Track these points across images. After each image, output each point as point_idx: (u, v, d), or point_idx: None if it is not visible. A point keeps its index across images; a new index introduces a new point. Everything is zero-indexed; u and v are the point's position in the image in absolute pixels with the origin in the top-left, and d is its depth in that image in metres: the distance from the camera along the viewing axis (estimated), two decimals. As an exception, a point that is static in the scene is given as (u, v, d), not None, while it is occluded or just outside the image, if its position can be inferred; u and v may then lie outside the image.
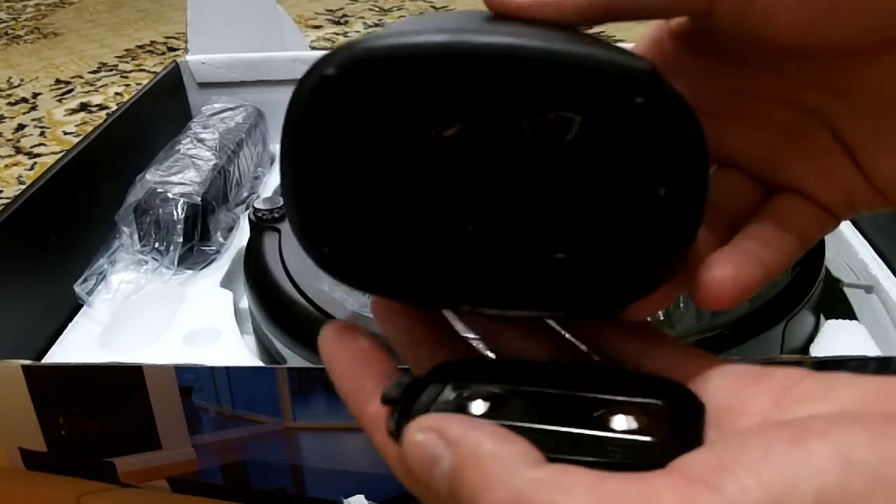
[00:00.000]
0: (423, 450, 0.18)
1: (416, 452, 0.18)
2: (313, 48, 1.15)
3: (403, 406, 0.20)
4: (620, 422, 0.19)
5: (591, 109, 0.19)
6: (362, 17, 1.40)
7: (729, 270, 0.22)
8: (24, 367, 0.38)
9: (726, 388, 0.20)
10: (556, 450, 0.17)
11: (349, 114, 0.20)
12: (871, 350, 0.46)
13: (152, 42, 1.34)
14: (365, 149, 0.21)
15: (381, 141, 0.20)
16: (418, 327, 0.24)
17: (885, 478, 0.14)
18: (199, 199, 0.57)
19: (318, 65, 0.20)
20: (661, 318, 0.45)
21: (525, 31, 0.21)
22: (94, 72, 1.21)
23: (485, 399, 0.20)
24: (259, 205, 0.55)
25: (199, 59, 0.76)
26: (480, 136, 0.20)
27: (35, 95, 1.12)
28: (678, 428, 0.18)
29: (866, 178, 0.24)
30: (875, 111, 0.23)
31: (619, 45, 0.22)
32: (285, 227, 0.54)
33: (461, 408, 0.20)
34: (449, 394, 0.20)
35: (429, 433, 0.18)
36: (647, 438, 0.18)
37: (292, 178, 0.21)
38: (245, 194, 0.67)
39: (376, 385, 0.21)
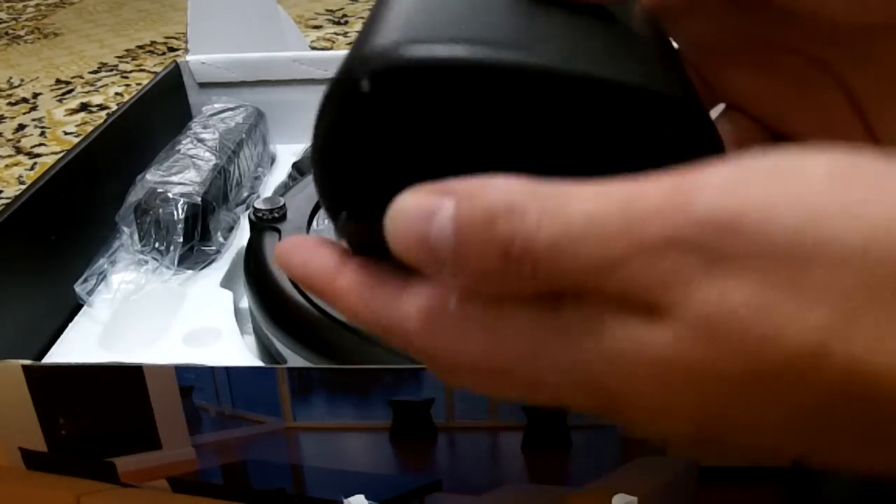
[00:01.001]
0: (417, 207, 0.16)
1: (411, 210, 0.16)
2: (313, 48, 1.15)
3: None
4: None
5: (621, 128, 0.20)
6: (362, 17, 1.40)
7: None
8: (24, 367, 0.38)
9: None
10: None
11: (380, 121, 0.20)
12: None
13: (152, 42, 1.34)
14: (396, 146, 0.20)
15: (413, 140, 0.20)
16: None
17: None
18: (199, 199, 0.57)
19: (350, 72, 0.19)
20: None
21: (565, 42, 0.20)
22: (95, 72, 1.21)
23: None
24: (259, 205, 0.55)
25: (199, 59, 0.76)
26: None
27: (35, 95, 1.12)
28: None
29: (872, 139, 0.24)
30: (893, 75, 0.23)
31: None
32: (285, 227, 0.54)
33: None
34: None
35: (419, 191, 0.16)
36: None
37: (324, 170, 0.21)
38: (245, 194, 0.67)
39: (339, 261, 0.20)
